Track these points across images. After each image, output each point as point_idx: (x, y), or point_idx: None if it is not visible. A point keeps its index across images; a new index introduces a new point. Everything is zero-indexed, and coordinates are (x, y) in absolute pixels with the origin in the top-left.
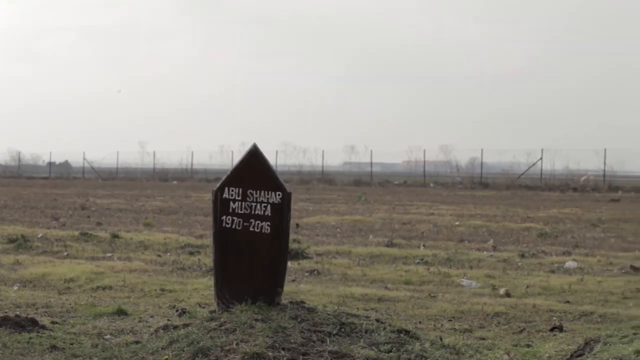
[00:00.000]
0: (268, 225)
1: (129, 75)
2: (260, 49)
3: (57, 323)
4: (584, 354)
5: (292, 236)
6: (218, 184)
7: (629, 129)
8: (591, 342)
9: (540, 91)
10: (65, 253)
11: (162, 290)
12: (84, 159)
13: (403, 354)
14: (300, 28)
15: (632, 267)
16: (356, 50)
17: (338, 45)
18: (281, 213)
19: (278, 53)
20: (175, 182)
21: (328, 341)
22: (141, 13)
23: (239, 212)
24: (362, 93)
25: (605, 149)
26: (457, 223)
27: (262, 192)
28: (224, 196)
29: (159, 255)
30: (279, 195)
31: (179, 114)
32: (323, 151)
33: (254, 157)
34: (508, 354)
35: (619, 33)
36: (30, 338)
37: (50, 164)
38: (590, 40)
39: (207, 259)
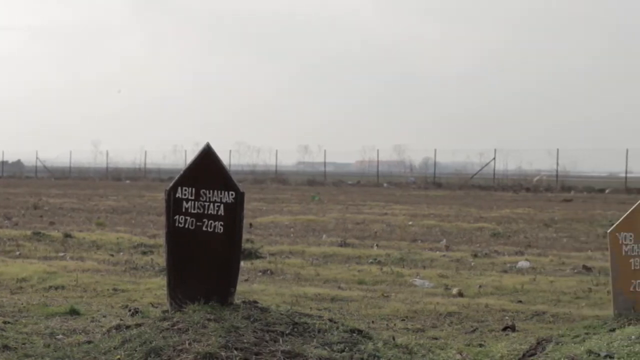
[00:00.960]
0: (221, 225)
1: (81, 74)
2: (212, 48)
3: (9, 323)
4: (536, 354)
5: (245, 236)
6: (171, 184)
7: (581, 130)
8: (543, 341)
9: (493, 91)
10: (18, 252)
11: (115, 290)
12: (37, 158)
13: (356, 353)
14: (253, 27)
15: (584, 267)
16: (310, 50)
17: (292, 45)
18: (234, 213)
19: (230, 52)
20: (128, 181)
21: (281, 341)
22: (92, 12)
23: (192, 211)
24: (316, 93)
25: (558, 149)
26: (410, 223)
27: (215, 191)
28: (176, 196)
29: (112, 255)
30: (232, 194)
31: (132, 114)
32: (277, 151)
33: (207, 157)
34: (460, 354)
35: (570, 34)
36: None
37: (3, 163)
38: (542, 41)
39: (160, 259)
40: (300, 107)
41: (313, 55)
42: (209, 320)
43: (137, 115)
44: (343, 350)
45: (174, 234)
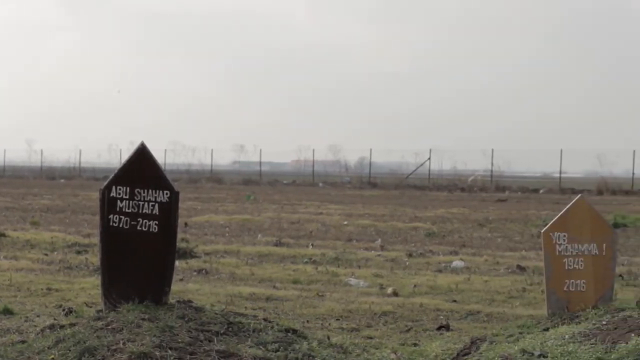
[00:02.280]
0: (156, 224)
1: (15, 72)
2: (147, 47)
3: None
4: (470, 353)
5: (180, 235)
6: (105, 183)
7: (516, 130)
8: (477, 341)
9: (428, 92)
10: None
11: (49, 289)
12: None
13: (290, 353)
14: (188, 27)
15: (518, 266)
16: (245, 50)
17: (226, 44)
18: (169, 212)
19: (165, 50)
20: (63, 180)
21: (215, 340)
22: (26, 9)
23: (127, 211)
24: (251, 92)
25: (492, 150)
26: (345, 222)
27: (150, 191)
28: (111, 195)
29: (46, 254)
30: (166, 194)
31: (67, 112)
32: (212, 150)
33: (141, 156)
34: (395, 353)
35: (506, 35)
36: None
37: None
38: (478, 42)
39: (95, 258)
40: (236, 106)
41: (248, 54)
42: (144, 319)
43: (71, 115)
44: (278, 350)
45: (108, 234)
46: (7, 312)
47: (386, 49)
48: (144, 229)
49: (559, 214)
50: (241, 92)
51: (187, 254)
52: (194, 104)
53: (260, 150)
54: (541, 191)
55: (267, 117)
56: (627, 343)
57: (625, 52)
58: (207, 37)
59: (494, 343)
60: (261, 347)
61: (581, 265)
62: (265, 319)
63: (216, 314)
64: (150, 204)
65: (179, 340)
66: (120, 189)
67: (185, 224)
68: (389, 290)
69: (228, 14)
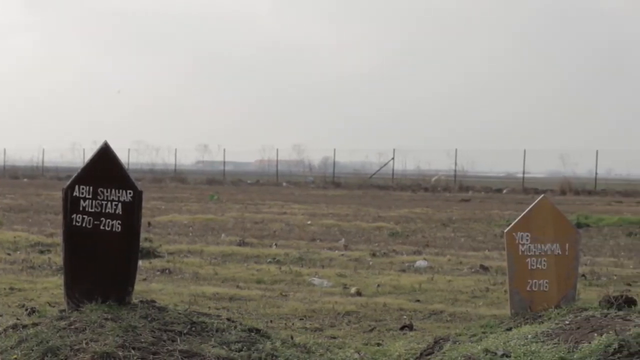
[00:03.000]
0: (119, 223)
1: None
2: (110, 46)
3: None
4: (433, 353)
5: (143, 235)
6: (68, 182)
7: (479, 131)
8: (441, 340)
9: (393, 92)
10: None
11: (12, 289)
12: None
13: (254, 352)
14: (152, 26)
15: (481, 266)
16: (209, 49)
17: (190, 44)
18: (132, 212)
19: (129, 51)
20: (25, 180)
21: (179, 340)
22: None
23: (90, 210)
24: (215, 92)
25: (456, 150)
26: (309, 222)
27: (113, 190)
28: (74, 194)
29: (9, 254)
30: (130, 193)
31: (30, 112)
32: (176, 150)
33: (105, 155)
34: (358, 353)
35: (470, 36)
36: None
37: None
38: (441, 42)
39: (58, 258)
40: (200, 106)
41: (213, 54)
42: (107, 319)
43: (35, 114)
44: (241, 350)
45: (71, 233)
46: None
47: (350, 50)
48: (107, 228)
49: (522, 214)
50: (205, 92)
51: (151, 254)
52: (158, 103)
53: (224, 150)
54: (504, 191)
55: (231, 117)
56: (589, 343)
57: (589, 53)
58: (171, 36)
59: (457, 343)
60: (224, 346)
61: (544, 265)
62: (228, 319)
63: (179, 313)
64: (114, 203)
65: (142, 340)
66: (83, 189)
67: (149, 223)
68: (353, 290)
69: (193, 14)
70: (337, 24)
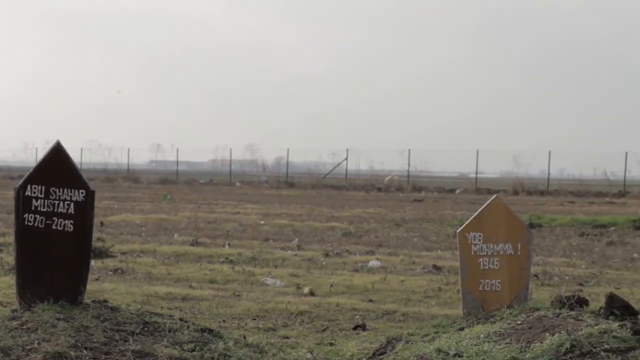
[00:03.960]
0: (71, 223)
1: None
2: (61, 45)
3: None
4: (386, 352)
5: (96, 234)
6: (20, 182)
7: (433, 131)
8: (393, 340)
9: (346, 92)
10: None
11: None
12: None
13: (206, 352)
14: (105, 25)
15: (434, 266)
16: (162, 48)
17: (143, 43)
18: (85, 211)
19: (82, 49)
20: None
21: (131, 340)
22: None
23: (42, 210)
24: (169, 91)
25: (409, 150)
26: (262, 222)
27: (66, 190)
28: (26, 194)
29: None
30: (82, 193)
31: None
32: (129, 149)
33: (57, 155)
34: (311, 353)
35: (424, 37)
36: None
37: None
38: (396, 43)
39: (10, 258)
40: (153, 105)
41: (166, 53)
42: (59, 319)
43: None
44: (194, 350)
45: (23, 233)
46: None
47: (305, 50)
48: (59, 228)
49: (475, 214)
50: (159, 91)
51: (103, 254)
52: (111, 102)
53: (177, 150)
54: (457, 191)
55: (184, 116)
56: (541, 342)
57: (542, 54)
58: (124, 35)
59: (410, 342)
60: (177, 347)
61: (496, 265)
62: (181, 319)
63: (132, 313)
64: (66, 203)
65: (95, 340)
66: (35, 188)
67: (102, 223)
68: (306, 290)
69: (147, 12)
70: (291, 24)
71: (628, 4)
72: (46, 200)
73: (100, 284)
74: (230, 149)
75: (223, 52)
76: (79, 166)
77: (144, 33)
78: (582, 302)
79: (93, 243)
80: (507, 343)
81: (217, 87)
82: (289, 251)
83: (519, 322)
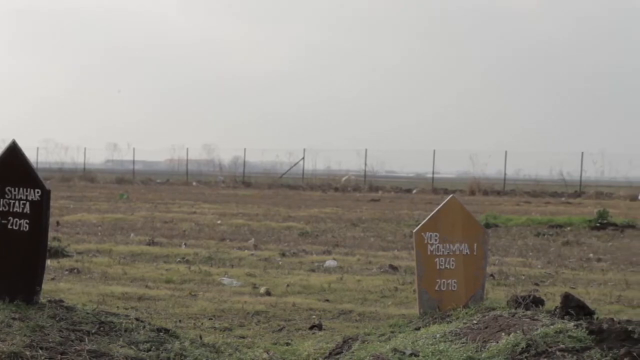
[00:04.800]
0: (27, 223)
1: None
2: (14, 43)
3: None
4: (342, 352)
5: (52, 234)
6: None
7: (390, 131)
8: (349, 340)
9: (303, 92)
10: None
11: None
12: None
13: (162, 352)
14: (60, 23)
15: (390, 266)
16: (117, 46)
17: (102, 40)
18: (40, 211)
19: (34, 46)
20: None
21: (87, 340)
22: None
23: None
24: (126, 90)
25: (366, 150)
26: (219, 222)
27: (21, 189)
28: None
29: None
30: (38, 192)
31: None
32: (85, 149)
33: (12, 154)
34: (267, 352)
35: (381, 37)
36: None
37: None
38: (355, 42)
39: None
40: (110, 104)
41: (121, 52)
42: (14, 319)
43: None
44: (150, 350)
45: None
46: None
47: (262, 49)
48: (14, 227)
49: (431, 214)
50: (114, 90)
51: (59, 253)
52: (67, 102)
53: (134, 149)
54: (414, 191)
55: (141, 115)
56: (497, 342)
57: (499, 55)
58: (79, 32)
59: (366, 342)
60: (133, 346)
61: (452, 265)
62: (137, 319)
63: (88, 313)
64: (21, 202)
65: (50, 340)
66: None
67: (58, 222)
68: (262, 289)
69: (102, 9)
70: (247, 23)
71: (584, 5)
72: (1, 200)
73: (56, 283)
74: (187, 149)
75: (179, 51)
76: (34, 165)
77: (100, 30)
78: (537, 302)
79: (49, 242)
80: (463, 343)
81: (174, 86)
82: (246, 251)
83: (475, 322)
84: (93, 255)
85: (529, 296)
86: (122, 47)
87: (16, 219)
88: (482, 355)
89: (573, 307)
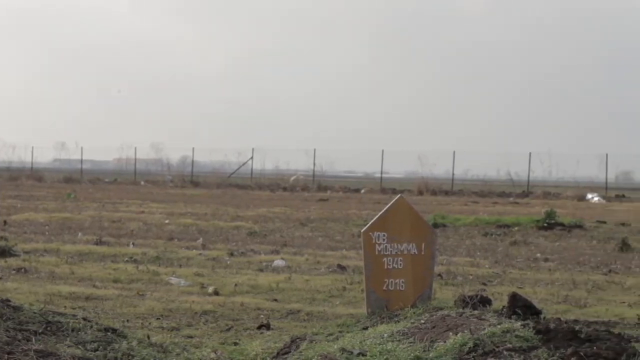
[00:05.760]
0: None
1: None
2: None
3: None
4: (290, 352)
5: None
6: None
7: (338, 131)
8: (297, 339)
9: (252, 91)
10: None
11: None
12: None
13: (110, 352)
14: (6, 19)
15: (339, 265)
16: (63, 44)
17: (47, 38)
18: None
19: None
20: None
21: (34, 340)
22: None
23: None
24: (73, 89)
25: (315, 150)
26: (167, 221)
27: None
28: None
29: None
30: None
31: None
32: (33, 147)
33: None
34: (215, 352)
35: (330, 37)
36: None
37: None
38: (304, 42)
39: None
40: (57, 103)
41: (68, 49)
42: None
43: None
44: (97, 349)
45: None
46: None
47: (210, 48)
48: None
49: (379, 214)
50: (62, 88)
51: (6, 253)
52: (14, 100)
53: (82, 148)
54: (362, 191)
55: (89, 114)
56: (445, 342)
57: (447, 55)
58: (27, 29)
59: (314, 342)
60: (80, 346)
61: (400, 264)
62: (84, 318)
63: (35, 313)
64: None
65: None
66: None
67: (5, 222)
68: (210, 289)
69: (51, 7)
70: (197, 21)
71: (532, 8)
72: None
73: (3, 283)
74: (135, 148)
75: (128, 49)
76: None
77: (47, 28)
78: (485, 302)
79: None
80: (410, 342)
81: (123, 84)
82: (194, 250)
83: (422, 322)
84: (40, 254)
85: (477, 296)
86: (70, 45)
87: None
88: (430, 355)
89: (520, 307)
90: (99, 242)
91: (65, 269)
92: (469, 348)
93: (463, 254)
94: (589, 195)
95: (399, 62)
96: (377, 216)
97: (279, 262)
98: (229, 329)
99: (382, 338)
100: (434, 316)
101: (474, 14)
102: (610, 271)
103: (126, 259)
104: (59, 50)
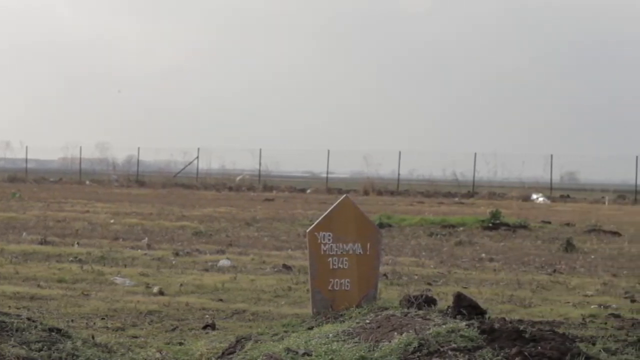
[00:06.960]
0: None
1: None
2: None
3: None
4: (235, 352)
5: None
6: None
7: (284, 131)
8: (243, 339)
9: (197, 91)
10: None
11: None
12: None
13: (54, 352)
14: None
15: (284, 265)
16: (8, 43)
17: None
18: None
19: None
20: None
21: None
22: None
23: None
24: (16, 86)
25: (260, 150)
26: (112, 221)
27: None
28: None
29: None
30: None
31: None
32: None
33: None
34: (160, 352)
35: (275, 37)
36: None
37: None
38: (249, 41)
39: None
40: (0, 102)
41: (11, 47)
42: None
43: None
44: (41, 349)
45: None
46: None
47: (153, 47)
48: None
49: (325, 214)
50: (6, 87)
51: None
52: None
53: (27, 147)
54: (308, 191)
55: (33, 112)
56: (390, 342)
57: (393, 54)
58: None
59: (259, 342)
60: (24, 346)
61: (346, 264)
62: (29, 318)
63: None
64: None
65: None
66: None
67: None
68: (155, 289)
69: None
70: (138, 19)
71: (478, 8)
72: None
73: None
74: (81, 147)
75: (69, 47)
76: None
77: None
78: (430, 302)
79: None
80: (355, 342)
81: (67, 83)
82: (139, 250)
83: (367, 322)
84: None
85: (422, 296)
86: (12, 43)
87: None
88: (375, 355)
89: (465, 307)
90: (43, 242)
91: (10, 268)
92: (414, 348)
93: (408, 254)
94: (534, 196)
95: (345, 61)
96: (322, 216)
97: (224, 262)
98: (174, 329)
99: (328, 338)
100: (379, 316)
101: (420, 13)
102: (554, 271)
103: (71, 258)
104: (1, 50)
